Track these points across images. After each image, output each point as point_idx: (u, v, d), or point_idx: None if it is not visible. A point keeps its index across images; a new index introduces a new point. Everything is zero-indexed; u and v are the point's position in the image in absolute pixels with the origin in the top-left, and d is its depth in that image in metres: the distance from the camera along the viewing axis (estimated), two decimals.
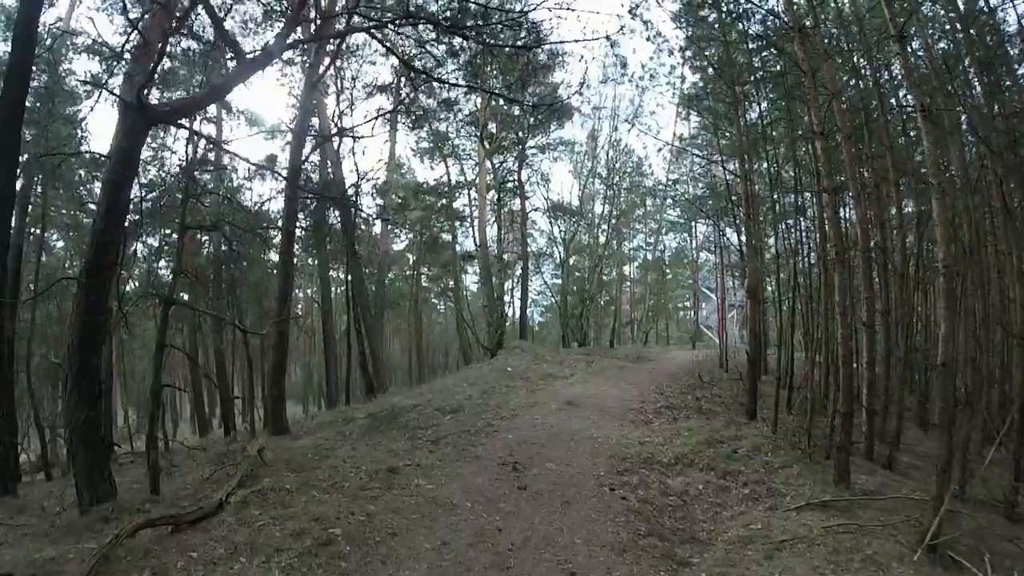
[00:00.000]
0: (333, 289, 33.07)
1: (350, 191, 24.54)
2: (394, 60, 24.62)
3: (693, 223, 40.66)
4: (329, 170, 25.56)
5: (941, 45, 14.56)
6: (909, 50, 13.81)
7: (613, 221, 34.08)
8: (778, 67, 15.57)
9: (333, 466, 10.48)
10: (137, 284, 23.95)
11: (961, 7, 13.38)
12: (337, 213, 25.98)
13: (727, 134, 19.54)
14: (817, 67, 12.35)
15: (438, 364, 44.54)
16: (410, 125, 30.27)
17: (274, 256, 27.04)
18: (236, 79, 11.23)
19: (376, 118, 22.41)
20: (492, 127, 29.65)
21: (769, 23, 15.44)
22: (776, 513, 8.97)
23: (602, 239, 34.18)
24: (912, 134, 16.48)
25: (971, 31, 13.12)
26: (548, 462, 10.81)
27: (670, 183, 40.26)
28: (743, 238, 18.76)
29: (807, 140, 15.80)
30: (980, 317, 13.74)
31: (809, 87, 12.11)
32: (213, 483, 10.43)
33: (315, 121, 23.64)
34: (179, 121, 12.70)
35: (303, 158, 18.23)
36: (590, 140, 34.75)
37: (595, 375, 19.26)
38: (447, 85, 20.96)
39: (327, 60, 18.46)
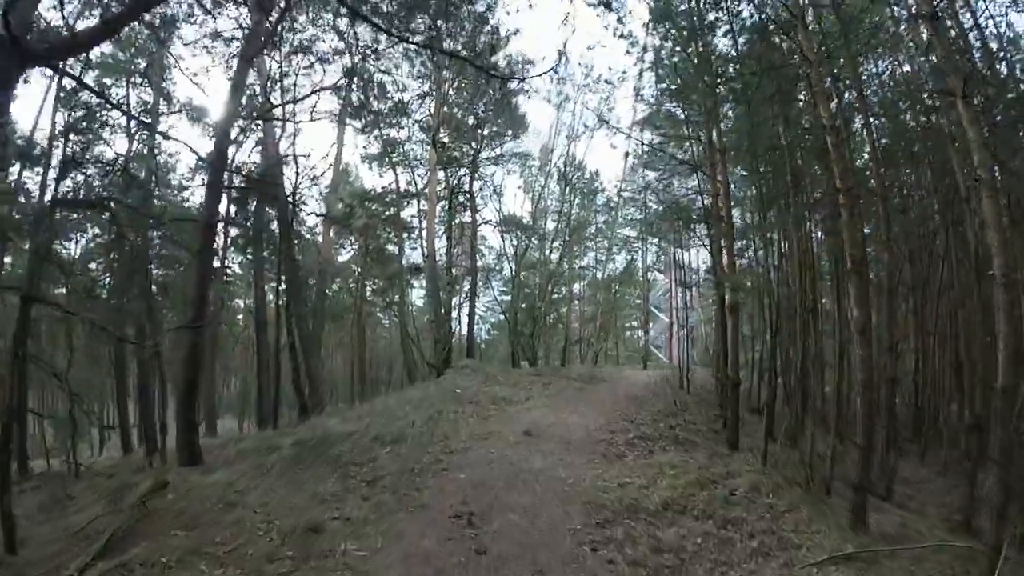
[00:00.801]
0: (270, 298, 30.19)
1: (287, 187, 21.92)
2: (346, 60, 22.60)
3: (644, 241, 39.32)
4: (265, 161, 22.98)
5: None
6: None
7: (565, 238, 32.14)
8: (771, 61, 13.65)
9: (238, 520, 8.05)
10: None
11: None
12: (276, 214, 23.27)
13: (699, 139, 17.58)
14: (822, 59, 10.66)
15: (382, 380, 41.70)
16: (359, 126, 27.88)
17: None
18: (133, 13, 8.70)
19: (318, 90, 20.23)
20: (444, 136, 27.41)
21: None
22: (795, 572, 7.35)
23: (554, 256, 32.24)
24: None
25: None
26: (511, 512, 8.53)
27: (623, 200, 39.25)
28: (718, 252, 16.82)
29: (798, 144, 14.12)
30: None
31: (816, 78, 10.28)
32: (84, 538, 7.95)
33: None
34: (60, 64, 9.89)
35: (230, 139, 15.61)
36: (543, 154, 32.93)
37: (552, 398, 17.03)
38: (405, 43, 18.61)
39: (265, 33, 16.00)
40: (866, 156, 15.57)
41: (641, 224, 30.69)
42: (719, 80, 15.17)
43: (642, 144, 25.91)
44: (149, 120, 20.33)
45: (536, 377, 20.78)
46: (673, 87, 17.43)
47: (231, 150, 19.81)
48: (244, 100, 18.99)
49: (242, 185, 20.50)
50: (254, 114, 20.47)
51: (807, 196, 15.20)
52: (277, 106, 21.38)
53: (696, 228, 24.04)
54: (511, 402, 16.35)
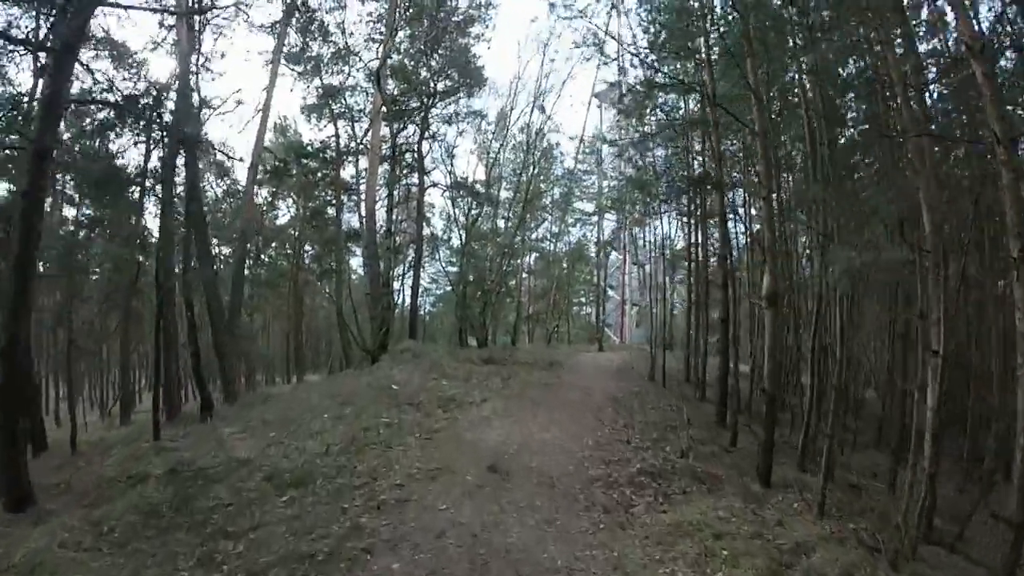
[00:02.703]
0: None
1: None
2: None
3: (600, 215, 35.23)
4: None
5: None
6: None
7: (519, 208, 27.61)
8: None
9: None
10: None
11: None
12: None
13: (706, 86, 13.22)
14: None
15: (322, 353, 36.67)
16: (298, 71, 22.64)
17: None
18: None
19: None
20: (393, 87, 22.37)
21: None
22: None
23: (507, 226, 27.75)
24: None
25: None
26: None
27: (585, 167, 34.97)
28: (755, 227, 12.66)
29: None
30: None
31: None
32: None
33: None
34: None
35: (80, 33, 10.49)
36: (500, 118, 28.16)
37: (515, 400, 12.59)
38: None
39: None
40: None
41: (609, 195, 25.91)
42: None
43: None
44: None
45: (490, 366, 16.32)
46: None
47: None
48: None
49: (113, 102, 15.11)
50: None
51: None
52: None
53: (676, 199, 19.74)
54: (464, 405, 11.89)
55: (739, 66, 11.05)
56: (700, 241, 20.73)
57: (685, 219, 21.27)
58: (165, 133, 16.60)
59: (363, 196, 21.31)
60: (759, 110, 10.68)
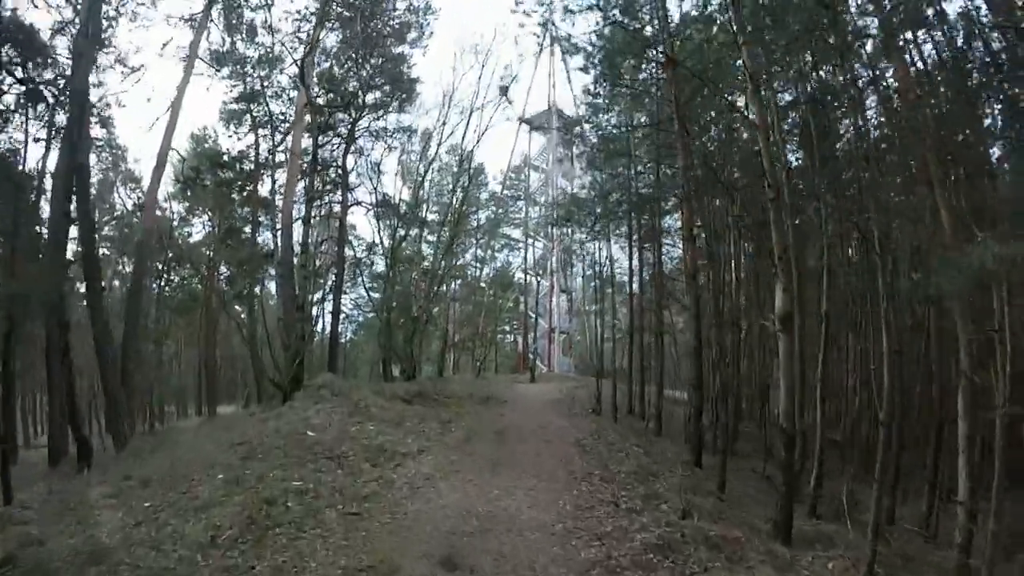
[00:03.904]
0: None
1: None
2: None
3: (528, 240, 33.09)
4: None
5: None
6: None
7: (445, 231, 24.97)
8: None
9: None
10: None
11: None
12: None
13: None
14: None
15: (238, 383, 32.26)
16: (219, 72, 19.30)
17: None
18: None
19: None
20: (319, 96, 19.33)
21: None
22: None
23: (434, 250, 25.06)
24: None
25: None
26: None
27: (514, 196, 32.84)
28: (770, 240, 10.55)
29: None
30: None
31: None
32: None
33: None
34: None
35: None
36: (424, 139, 25.57)
37: (462, 451, 9.80)
38: None
39: None
40: None
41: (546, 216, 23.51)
42: None
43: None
44: None
45: (424, 406, 13.48)
46: None
47: None
48: None
49: None
50: None
51: None
52: None
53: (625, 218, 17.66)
54: (398, 458, 9.06)
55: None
56: (640, 264, 19.02)
57: (626, 241, 19.51)
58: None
59: (280, 210, 18.06)
60: (756, 99, 8.64)
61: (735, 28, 8.88)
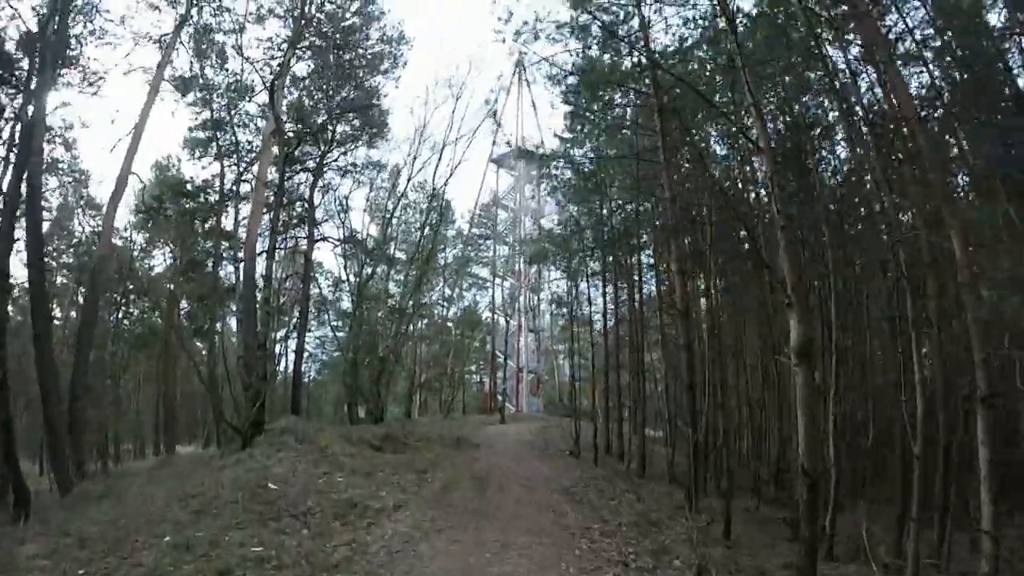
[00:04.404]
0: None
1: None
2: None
3: (501, 280, 32.36)
4: None
5: None
6: None
7: (413, 269, 23.97)
8: None
9: None
10: None
11: None
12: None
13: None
14: None
15: (199, 421, 30.04)
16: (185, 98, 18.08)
17: None
18: None
19: None
20: (289, 126, 18.26)
21: None
22: None
23: (402, 288, 24.03)
24: None
25: None
26: None
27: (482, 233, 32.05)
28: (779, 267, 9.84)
29: None
30: None
31: None
32: None
33: None
34: None
35: None
36: (392, 176, 24.76)
37: (443, 504, 8.60)
38: None
39: None
40: None
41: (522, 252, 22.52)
42: None
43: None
44: None
45: (395, 453, 12.31)
46: None
47: None
48: None
49: None
50: None
51: None
52: None
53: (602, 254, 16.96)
54: (371, 516, 7.88)
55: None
56: (616, 301, 18.33)
57: (598, 279, 18.84)
58: None
59: (243, 243, 16.83)
60: (760, 123, 8.04)
61: (733, 51, 8.33)
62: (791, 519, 8.55)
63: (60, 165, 22.34)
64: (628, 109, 13.81)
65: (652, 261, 17.02)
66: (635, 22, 12.22)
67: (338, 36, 17.24)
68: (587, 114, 14.26)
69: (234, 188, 18.78)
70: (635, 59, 12.39)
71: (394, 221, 24.63)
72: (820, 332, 8.76)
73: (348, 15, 17.49)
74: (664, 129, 11.54)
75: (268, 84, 13.47)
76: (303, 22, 16.10)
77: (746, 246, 15.13)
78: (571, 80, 12.64)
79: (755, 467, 13.48)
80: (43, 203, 23.40)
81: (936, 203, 8.19)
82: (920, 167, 8.47)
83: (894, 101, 9.45)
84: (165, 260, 26.16)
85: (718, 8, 9.52)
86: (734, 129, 9.22)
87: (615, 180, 15.38)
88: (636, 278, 17.13)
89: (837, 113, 10.51)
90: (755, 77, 9.25)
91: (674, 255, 11.34)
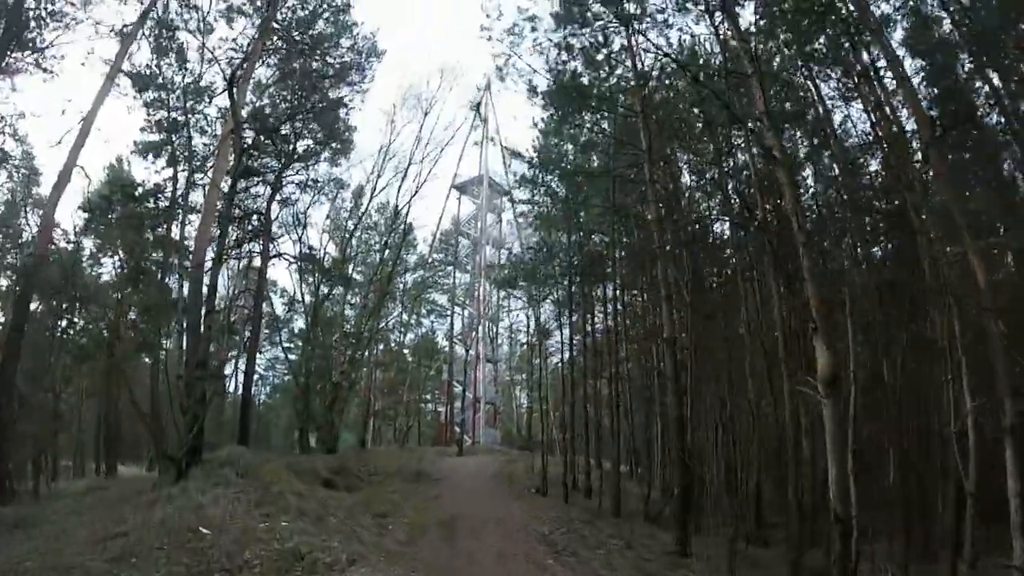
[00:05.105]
0: None
1: None
2: None
3: (460, 308, 30.97)
4: None
5: None
6: None
7: (371, 293, 22.42)
8: None
9: None
10: None
11: None
12: None
13: None
14: None
15: (143, 439, 27.17)
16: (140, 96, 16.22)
17: None
18: None
19: None
20: (247, 135, 16.59)
21: None
22: None
23: (360, 312, 22.42)
24: None
25: None
26: None
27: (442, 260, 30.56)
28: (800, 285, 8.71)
29: None
30: None
31: None
32: None
33: None
34: None
35: None
36: (354, 198, 23.34)
37: (405, 557, 7.11)
38: None
39: None
40: None
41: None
42: None
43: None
44: None
45: (349, 491, 10.73)
46: None
47: None
48: None
49: None
50: None
51: None
52: None
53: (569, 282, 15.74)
54: (321, 573, 6.37)
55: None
56: (586, 330, 17.14)
57: (559, 307, 17.63)
58: None
59: (191, 250, 15.08)
60: (775, 132, 7.13)
61: (748, 60, 7.44)
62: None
63: (11, 159, 20.15)
64: (605, 124, 12.83)
65: (618, 289, 15.94)
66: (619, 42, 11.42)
67: (307, 41, 15.84)
68: (565, 127, 13.29)
69: (185, 193, 16.97)
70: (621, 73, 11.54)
71: (354, 241, 23.12)
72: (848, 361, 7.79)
73: (319, 22, 16.17)
74: (651, 145, 10.64)
75: (228, 77, 11.93)
76: (269, 18, 14.63)
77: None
78: (552, 90, 11.57)
79: (731, 501, 12.30)
80: None
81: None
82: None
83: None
84: (113, 268, 23.81)
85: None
86: (754, 137, 8.24)
87: (588, 203, 14.32)
88: (605, 306, 16.05)
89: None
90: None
91: (661, 280, 10.27)
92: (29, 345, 19.10)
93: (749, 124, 8.18)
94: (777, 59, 10.23)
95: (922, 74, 10.12)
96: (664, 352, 10.35)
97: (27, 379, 17.17)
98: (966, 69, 9.86)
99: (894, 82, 8.96)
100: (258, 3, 15.04)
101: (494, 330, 32.14)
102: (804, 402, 8.13)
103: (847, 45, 9.31)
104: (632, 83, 11.28)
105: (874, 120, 9.95)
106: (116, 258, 22.75)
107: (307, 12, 16.14)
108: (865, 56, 9.49)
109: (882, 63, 9.09)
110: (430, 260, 30.06)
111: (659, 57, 10.49)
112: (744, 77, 7.98)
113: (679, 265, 10.36)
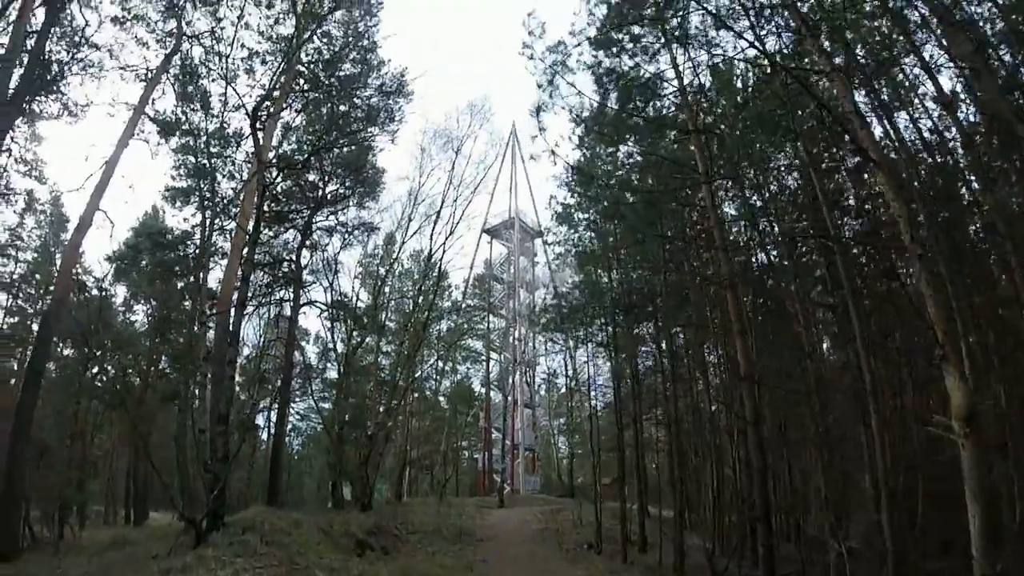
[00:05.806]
0: None
1: None
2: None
3: (496, 353, 29.60)
4: None
5: None
6: None
7: (405, 340, 21.14)
8: None
9: None
10: None
11: None
12: None
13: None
14: None
15: (173, 489, 25.95)
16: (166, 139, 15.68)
17: None
18: None
19: None
20: (277, 182, 15.80)
21: None
22: None
23: (392, 362, 21.31)
24: None
25: None
26: None
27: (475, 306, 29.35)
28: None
29: None
30: None
31: None
32: None
33: None
34: None
35: None
36: (385, 244, 22.46)
37: None
38: None
39: None
40: None
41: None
42: None
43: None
44: None
45: (384, 552, 9.37)
46: None
47: None
48: None
49: None
50: None
51: None
52: None
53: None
54: None
55: None
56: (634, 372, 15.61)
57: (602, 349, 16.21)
58: None
59: (218, 295, 14.17)
60: (869, 135, 5.84)
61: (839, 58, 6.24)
62: None
63: (38, 203, 19.91)
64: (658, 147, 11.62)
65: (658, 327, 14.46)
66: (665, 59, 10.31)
67: (334, 83, 15.17)
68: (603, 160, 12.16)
69: (209, 236, 16.30)
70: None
71: (386, 288, 22.06)
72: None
73: (346, 63, 15.56)
74: (707, 171, 9.43)
75: (251, 113, 11.08)
76: (293, 60, 13.99)
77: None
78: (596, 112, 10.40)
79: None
80: (20, 243, 21.06)
81: None
82: None
83: None
84: (145, 316, 23.23)
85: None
86: (850, 139, 6.93)
87: (647, 229, 13.00)
88: (659, 346, 14.57)
89: None
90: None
91: (732, 312, 8.87)
92: (58, 390, 18.46)
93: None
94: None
95: None
96: (743, 393, 8.81)
97: (52, 426, 16.42)
98: None
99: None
100: (281, 45, 14.46)
101: (531, 374, 30.71)
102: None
103: None
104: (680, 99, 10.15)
105: None
106: (148, 306, 22.32)
107: (333, 53, 15.57)
108: None
109: None
110: (463, 306, 28.93)
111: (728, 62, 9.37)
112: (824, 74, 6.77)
113: (758, 292, 8.98)
